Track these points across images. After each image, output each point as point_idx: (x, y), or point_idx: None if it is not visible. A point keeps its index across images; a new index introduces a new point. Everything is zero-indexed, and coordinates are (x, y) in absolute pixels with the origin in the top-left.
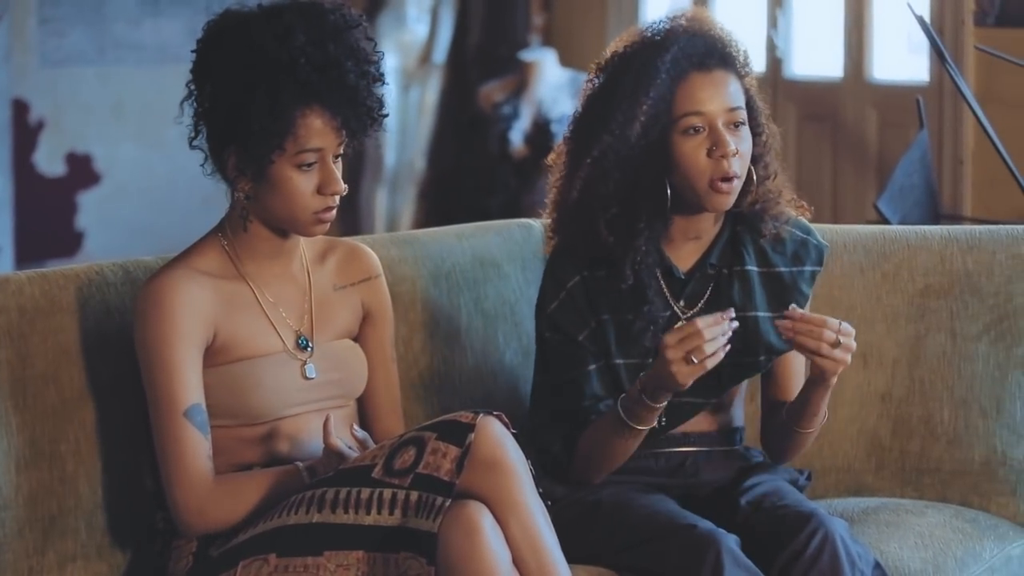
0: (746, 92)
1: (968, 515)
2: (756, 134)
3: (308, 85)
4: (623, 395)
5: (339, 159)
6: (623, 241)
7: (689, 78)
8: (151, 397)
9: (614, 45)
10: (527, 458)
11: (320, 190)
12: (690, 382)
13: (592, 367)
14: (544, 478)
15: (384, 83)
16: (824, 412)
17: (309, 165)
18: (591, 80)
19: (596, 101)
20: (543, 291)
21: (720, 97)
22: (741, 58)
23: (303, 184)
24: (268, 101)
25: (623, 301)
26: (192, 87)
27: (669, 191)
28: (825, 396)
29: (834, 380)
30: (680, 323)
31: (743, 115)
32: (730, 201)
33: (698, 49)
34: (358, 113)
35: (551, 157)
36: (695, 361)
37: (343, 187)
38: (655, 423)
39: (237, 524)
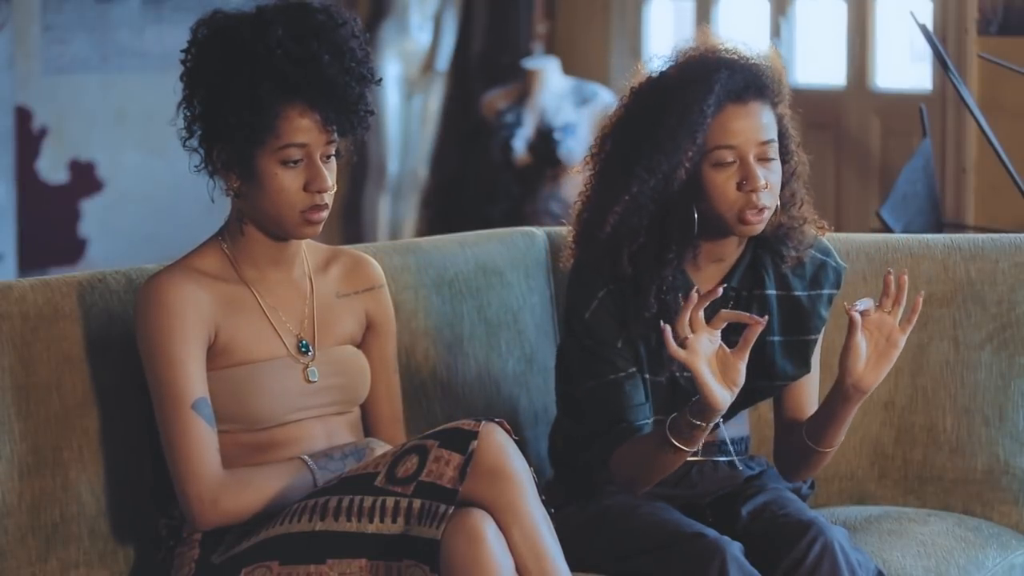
0: (779, 121)
1: (971, 524)
2: (784, 161)
3: (286, 78)
4: (673, 415)
5: (331, 159)
6: (650, 269)
7: (725, 110)
8: (157, 393)
9: (646, 68)
10: (530, 466)
11: (306, 187)
12: (725, 402)
13: (632, 370)
14: (560, 491)
15: (372, 82)
16: (844, 431)
17: (295, 162)
18: (624, 105)
19: (634, 133)
20: (574, 299)
21: (753, 130)
22: (775, 86)
23: (288, 181)
24: (246, 93)
25: (649, 321)
26: (182, 88)
27: (696, 217)
28: (853, 412)
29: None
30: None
31: (775, 148)
32: (759, 228)
33: (737, 84)
34: (339, 109)
35: (576, 169)
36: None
37: (331, 184)
38: (698, 445)
39: (248, 519)
